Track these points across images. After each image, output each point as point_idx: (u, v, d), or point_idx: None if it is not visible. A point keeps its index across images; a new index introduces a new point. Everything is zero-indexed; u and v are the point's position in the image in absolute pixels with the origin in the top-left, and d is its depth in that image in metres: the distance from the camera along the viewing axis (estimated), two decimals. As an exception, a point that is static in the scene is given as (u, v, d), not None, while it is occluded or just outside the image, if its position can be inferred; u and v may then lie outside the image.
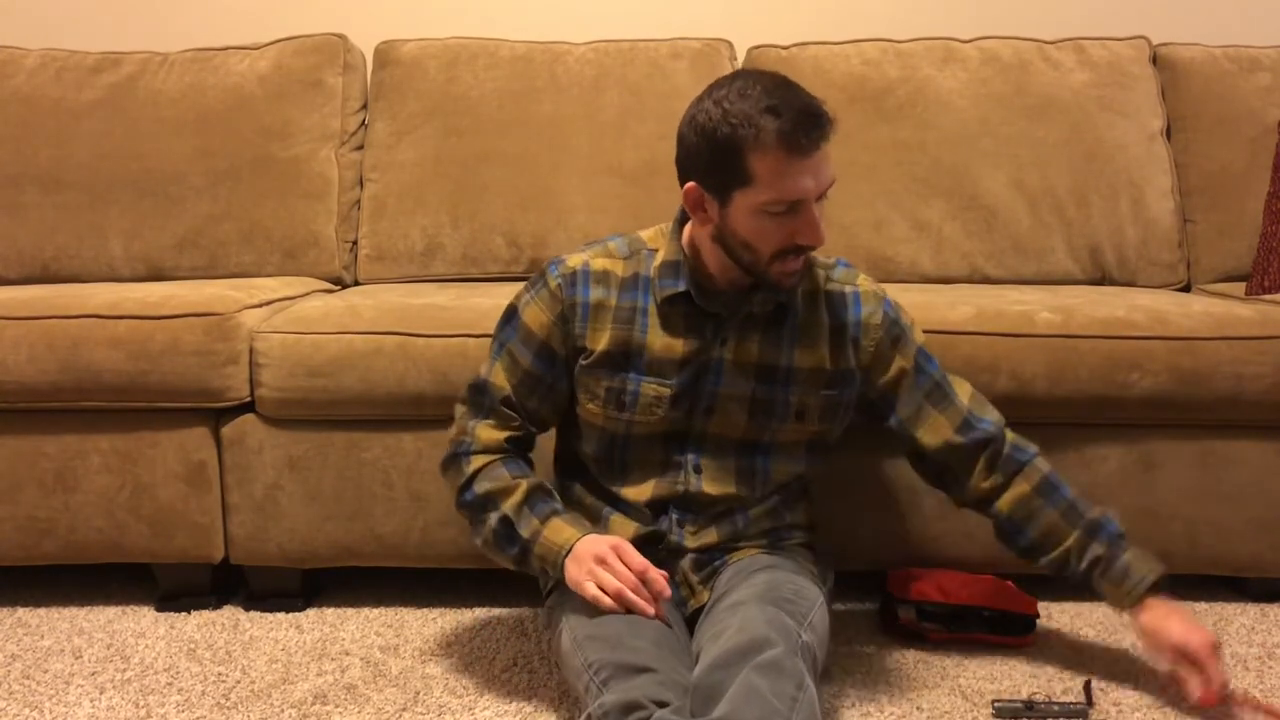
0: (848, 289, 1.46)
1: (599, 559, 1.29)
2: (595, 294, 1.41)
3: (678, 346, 1.39)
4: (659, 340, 1.39)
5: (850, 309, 1.44)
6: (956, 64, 2.30)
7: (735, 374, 1.40)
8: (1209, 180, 2.27)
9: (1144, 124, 2.28)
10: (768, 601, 1.19)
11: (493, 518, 1.39)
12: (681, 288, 1.38)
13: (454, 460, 1.46)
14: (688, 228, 1.40)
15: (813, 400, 1.42)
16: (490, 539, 1.41)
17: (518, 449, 1.46)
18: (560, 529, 1.35)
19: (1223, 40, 2.38)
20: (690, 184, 1.32)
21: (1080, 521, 1.45)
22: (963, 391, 1.49)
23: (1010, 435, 1.50)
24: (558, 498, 1.42)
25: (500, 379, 1.44)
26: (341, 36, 2.36)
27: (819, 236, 1.29)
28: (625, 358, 1.40)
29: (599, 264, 1.42)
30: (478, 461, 1.42)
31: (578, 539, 1.33)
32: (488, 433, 1.44)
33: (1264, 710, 1.41)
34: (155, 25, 2.59)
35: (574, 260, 1.43)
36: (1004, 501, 1.47)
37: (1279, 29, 2.51)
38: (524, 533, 1.37)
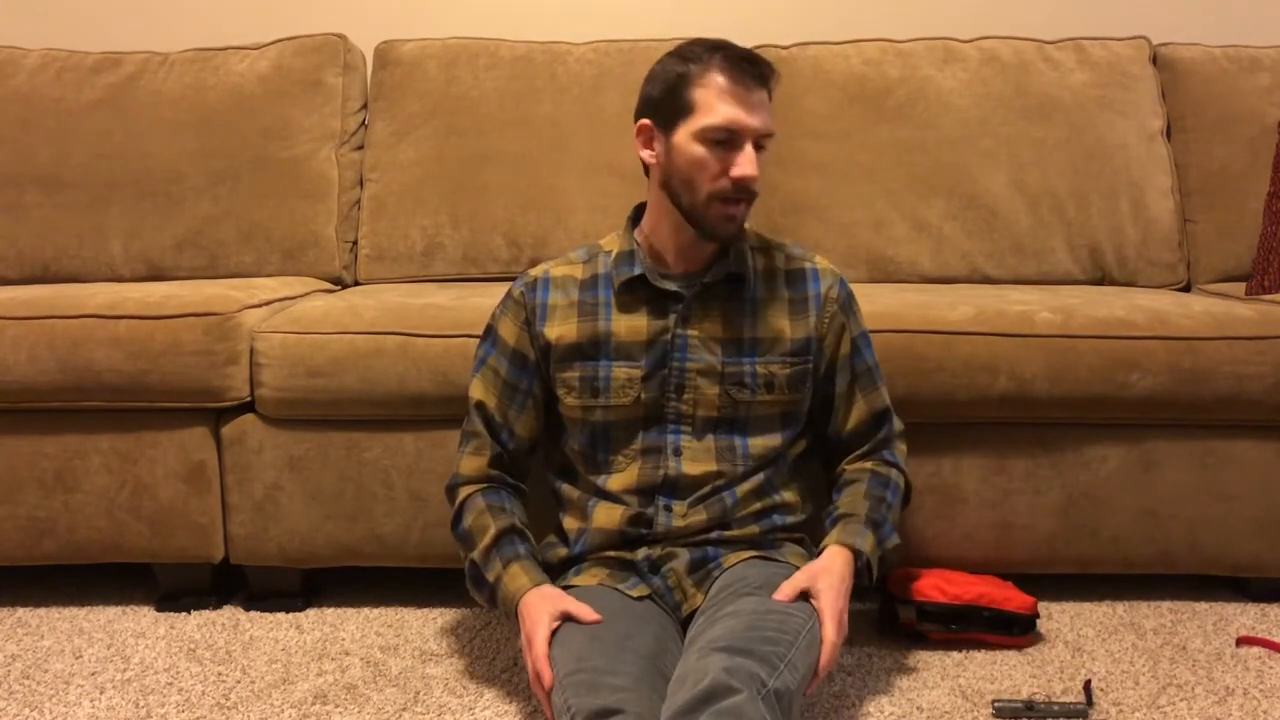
0: (806, 265, 1.51)
1: (527, 639, 1.33)
2: (555, 296, 1.49)
3: (641, 328, 1.45)
4: (622, 325, 1.45)
5: (810, 282, 1.50)
6: (956, 64, 2.30)
7: (700, 348, 1.44)
8: (1209, 180, 2.27)
9: (1144, 124, 2.28)
10: (738, 650, 1.19)
11: (467, 561, 1.46)
12: (637, 271, 1.45)
13: (449, 494, 1.54)
14: (642, 222, 1.49)
15: (779, 369, 1.46)
16: (468, 577, 1.48)
17: (501, 472, 1.52)
18: (516, 576, 1.40)
19: (1223, 40, 2.38)
20: (643, 120, 1.42)
21: (862, 512, 1.45)
22: (884, 388, 1.54)
23: (899, 444, 1.55)
24: (525, 539, 1.46)
25: (480, 393, 1.51)
26: (341, 36, 2.36)
27: (753, 170, 1.35)
28: (593, 347, 1.46)
29: (559, 271, 1.51)
30: (463, 493, 1.50)
31: (525, 593, 1.37)
32: (470, 462, 1.51)
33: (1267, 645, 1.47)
34: (155, 25, 2.59)
35: (536, 271, 1.53)
36: (847, 474, 1.52)
37: (1279, 29, 2.51)
38: (489, 577, 1.42)
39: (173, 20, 2.59)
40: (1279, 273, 2.01)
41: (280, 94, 2.30)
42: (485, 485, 1.50)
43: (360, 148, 2.36)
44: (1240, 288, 2.10)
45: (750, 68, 1.36)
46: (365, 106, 2.39)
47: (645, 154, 1.44)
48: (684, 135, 1.37)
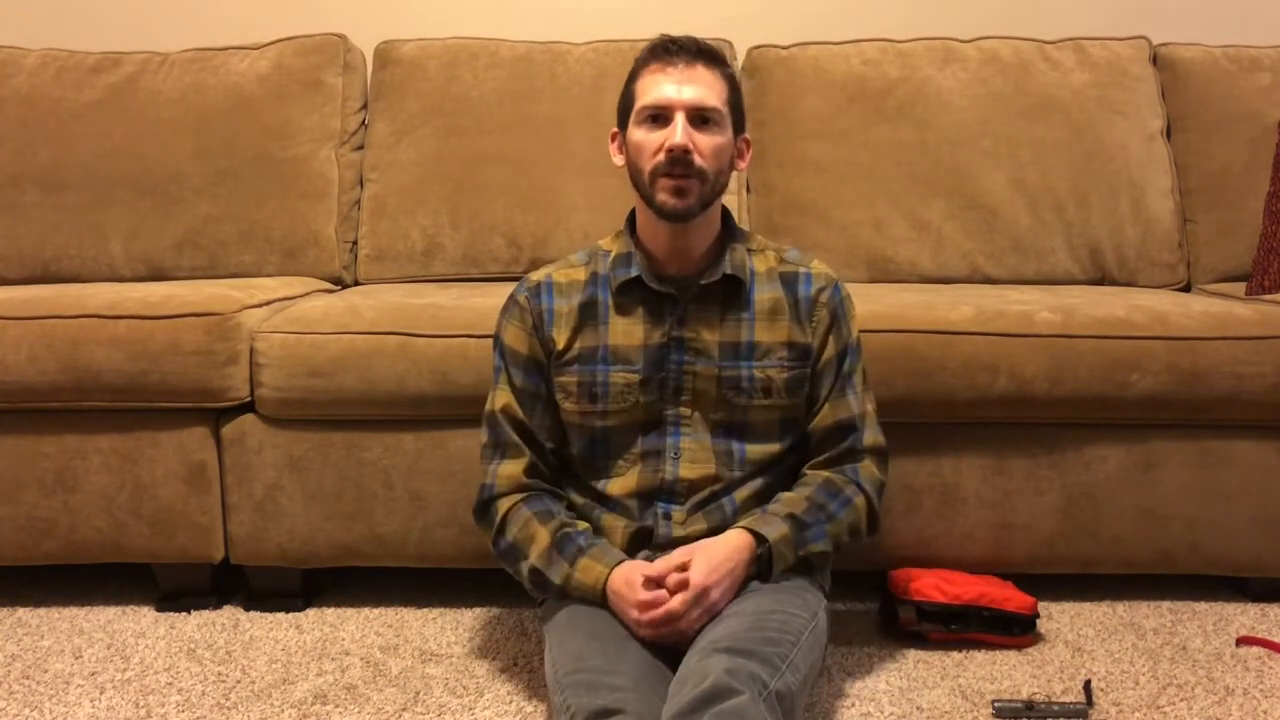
0: (801, 269, 1.50)
1: (630, 609, 1.31)
2: (559, 302, 1.48)
3: (637, 332, 1.44)
4: (619, 328, 1.45)
5: (802, 285, 1.49)
6: (956, 64, 2.30)
7: (697, 352, 1.44)
8: (1209, 180, 2.27)
9: (1144, 124, 2.28)
10: (739, 651, 1.19)
11: (524, 567, 1.43)
12: (634, 273, 1.44)
13: (483, 509, 1.49)
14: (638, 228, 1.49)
15: (776, 374, 1.45)
16: (529, 585, 1.44)
17: (539, 480, 1.48)
18: (589, 569, 1.37)
19: (1223, 40, 2.38)
20: (614, 129, 1.49)
21: (792, 511, 1.41)
22: (867, 398, 1.51)
23: (872, 465, 1.49)
24: (581, 531, 1.43)
25: (504, 403, 1.48)
26: (341, 36, 2.36)
27: (682, 140, 1.37)
28: (591, 351, 1.45)
29: (561, 276, 1.50)
30: (504, 505, 1.46)
31: (606, 577, 1.35)
32: (507, 470, 1.47)
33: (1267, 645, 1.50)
34: (155, 25, 2.59)
35: (538, 275, 1.52)
36: (804, 478, 1.48)
37: (1279, 29, 2.51)
38: (556, 580, 1.39)
39: (173, 20, 2.59)
40: (1279, 273, 2.01)
41: (280, 94, 2.30)
42: (525, 495, 1.46)
43: (360, 148, 2.36)
44: (1240, 288, 2.10)
45: (673, 45, 1.42)
46: (365, 106, 2.39)
47: (617, 160, 1.49)
48: (631, 128, 1.43)
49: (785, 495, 1.45)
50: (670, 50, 1.41)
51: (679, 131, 1.37)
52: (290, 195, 2.26)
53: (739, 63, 2.38)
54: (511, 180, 2.25)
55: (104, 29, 2.58)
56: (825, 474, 1.47)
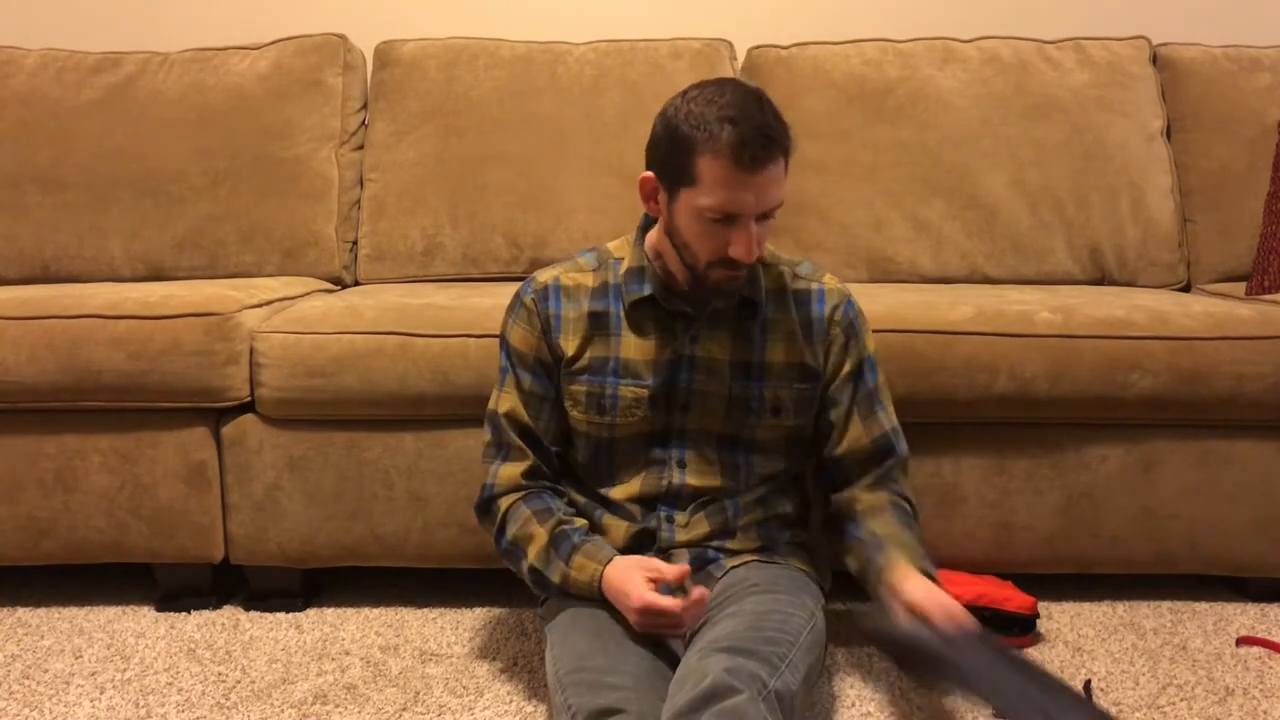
0: (813, 286, 1.48)
1: (630, 607, 1.30)
2: (567, 308, 1.45)
3: (650, 348, 1.43)
4: (631, 343, 1.43)
5: (815, 304, 1.47)
6: (956, 64, 2.30)
7: (708, 371, 1.42)
8: (1209, 180, 2.27)
9: (1144, 124, 2.28)
10: (739, 651, 1.19)
11: (524, 566, 1.43)
12: (647, 291, 1.42)
13: (485, 508, 1.49)
14: (650, 235, 1.44)
15: (787, 394, 1.44)
16: (530, 583, 1.45)
17: (539, 480, 1.47)
18: (584, 566, 1.37)
19: (1223, 40, 2.38)
20: (647, 173, 1.37)
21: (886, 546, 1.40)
22: (893, 411, 1.50)
23: (905, 476, 1.50)
24: (577, 528, 1.42)
25: (508, 406, 1.47)
26: (341, 36, 2.36)
27: (749, 254, 1.31)
28: (602, 362, 1.44)
29: (569, 279, 1.47)
30: (505, 504, 1.45)
31: (600, 574, 1.35)
32: (509, 471, 1.46)
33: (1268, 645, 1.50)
34: (155, 25, 2.59)
35: (545, 276, 1.48)
36: (864, 503, 1.46)
37: (1279, 29, 2.51)
38: (555, 579, 1.39)
39: (173, 20, 2.59)
40: (1279, 273, 2.01)
41: (280, 94, 2.30)
42: (525, 493, 1.45)
43: (360, 148, 2.36)
44: (1240, 288, 2.10)
45: (759, 150, 1.27)
46: (365, 106, 2.39)
47: (648, 205, 1.39)
48: (684, 204, 1.32)
49: (883, 527, 1.41)
50: (758, 157, 1.27)
51: (749, 242, 1.30)
52: (290, 195, 2.26)
53: (739, 63, 2.38)
54: (511, 180, 2.25)
55: (104, 29, 2.58)
56: (885, 499, 1.45)
